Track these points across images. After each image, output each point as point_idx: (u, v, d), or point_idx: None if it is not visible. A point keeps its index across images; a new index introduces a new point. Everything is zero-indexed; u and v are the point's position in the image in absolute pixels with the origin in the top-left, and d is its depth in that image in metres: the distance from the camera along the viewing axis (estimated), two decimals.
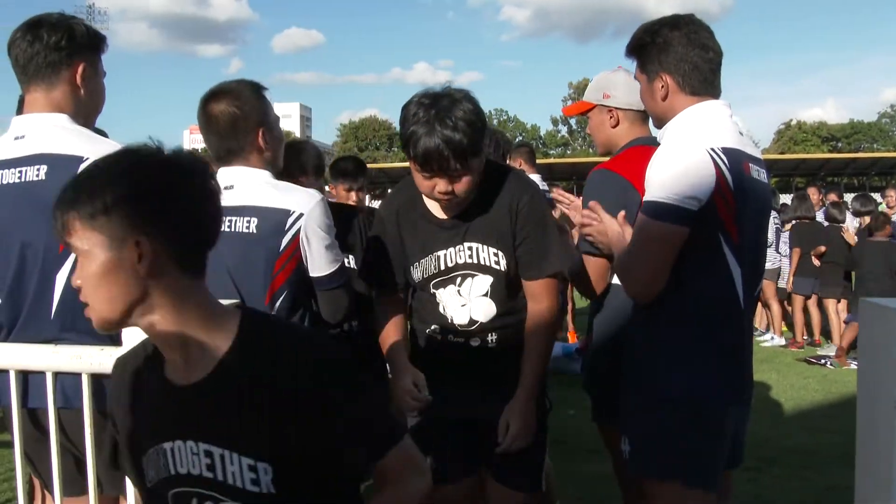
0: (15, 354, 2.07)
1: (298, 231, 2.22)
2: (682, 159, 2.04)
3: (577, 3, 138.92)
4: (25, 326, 2.17)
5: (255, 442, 1.33)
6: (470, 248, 2.36)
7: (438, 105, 2.14)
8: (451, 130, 2.10)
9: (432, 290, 2.43)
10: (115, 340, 2.01)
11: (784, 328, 9.53)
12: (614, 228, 2.34)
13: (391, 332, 2.47)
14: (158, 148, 1.32)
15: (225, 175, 2.32)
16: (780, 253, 9.34)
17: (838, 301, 8.77)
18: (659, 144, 2.21)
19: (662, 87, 2.21)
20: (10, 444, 2.15)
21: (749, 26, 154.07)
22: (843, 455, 2.14)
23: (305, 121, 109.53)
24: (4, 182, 2.16)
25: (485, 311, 2.39)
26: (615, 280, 2.55)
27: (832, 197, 10.22)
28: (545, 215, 2.38)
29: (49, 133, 2.17)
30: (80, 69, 2.24)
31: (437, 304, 2.44)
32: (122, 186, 1.25)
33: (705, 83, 2.20)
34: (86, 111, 2.30)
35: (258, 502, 1.34)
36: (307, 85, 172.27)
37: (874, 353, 2.05)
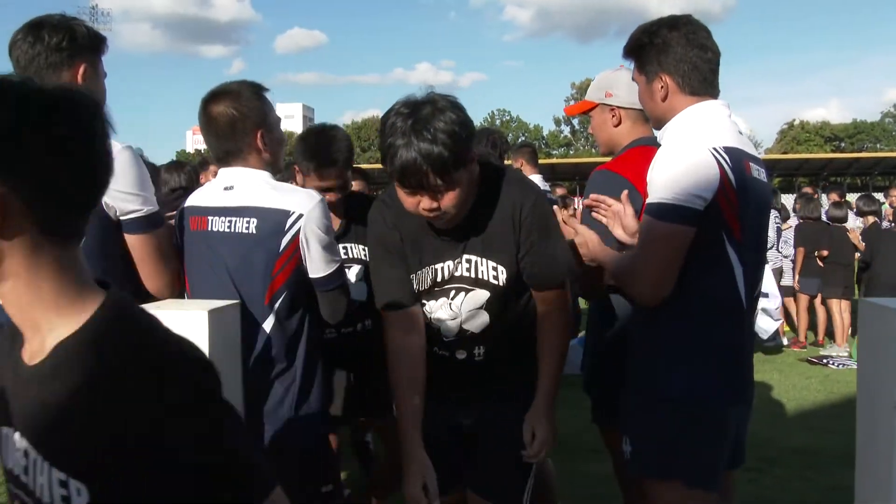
0: None
1: (298, 232, 2.22)
2: (686, 159, 2.04)
3: (580, 3, 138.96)
4: None
5: (67, 454, 1.04)
6: (469, 262, 2.23)
7: (418, 115, 1.97)
8: (429, 143, 1.93)
9: (422, 301, 2.30)
10: None
11: (786, 328, 9.52)
12: (593, 238, 2.35)
13: (406, 389, 2.22)
14: (29, 78, 1.05)
15: (225, 176, 2.33)
16: (780, 252, 9.34)
17: (841, 301, 8.76)
18: (660, 145, 2.21)
19: (662, 87, 2.21)
20: None
21: (751, 26, 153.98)
22: (844, 455, 2.14)
23: (308, 121, 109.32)
24: None
25: (477, 323, 2.28)
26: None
27: (833, 197, 10.21)
28: (549, 220, 2.26)
29: None
30: (81, 70, 2.25)
31: (425, 313, 2.31)
32: None
33: (705, 83, 2.20)
34: None
35: None
36: (310, 85, 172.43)
37: (874, 353, 2.05)
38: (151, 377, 1.03)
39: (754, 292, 2.24)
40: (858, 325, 2.23)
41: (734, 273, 2.11)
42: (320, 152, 2.90)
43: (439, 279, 2.26)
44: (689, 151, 2.05)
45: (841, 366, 7.87)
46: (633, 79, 2.35)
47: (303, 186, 3.32)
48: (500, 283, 2.23)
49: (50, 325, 1.08)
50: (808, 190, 11.41)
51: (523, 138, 71.52)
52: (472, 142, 2.05)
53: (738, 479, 2.77)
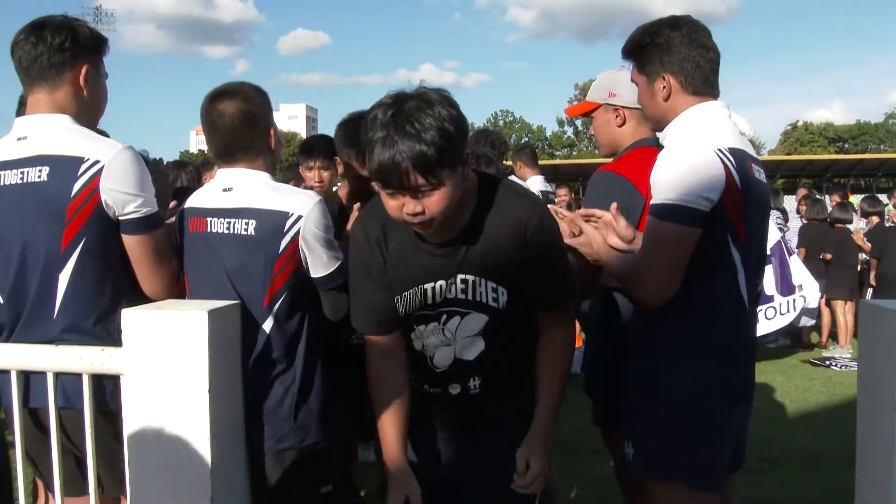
0: (16, 355, 2.08)
1: (297, 233, 2.22)
2: (691, 160, 2.03)
3: (583, 4, 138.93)
4: (27, 327, 2.18)
5: None
6: (465, 282, 2.01)
7: (403, 108, 1.78)
8: (412, 139, 1.74)
9: (414, 325, 2.11)
10: (116, 341, 2.02)
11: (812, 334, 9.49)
12: (597, 238, 2.31)
13: (389, 414, 2.09)
14: None
15: (224, 177, 2.33)
16: None
17: (846, 302, 8.75)
18: (662, 146, 2.21)
19: (664, 87, 2.21)
20: (12, 444, 2.16)
21: (755, 27, 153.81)
22: (847, 457, 2.14)
23: (311, 122, 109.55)
24: (7, 183, 2.17)
25: (473, 351, 2.10)
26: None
27: (835, 199, 10.20)
28: (556, 241, 2.11)
29: (51, 134, 2.18)
30: (83, 71, 2.26)
31: (414, 340, 2.12)
32: None
33: (707, 83, 2.20)
34: (88, 112, 2.32)
35: None
36: (313, 86, 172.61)
37: (874, 355, 2.05)
38: None
39: (756, 293, 2.24)
40: (858, 327, 2.22)
41: (737, 275, 2.11)
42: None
43: (429, 301, 2.05)
44: (694, 152, 2.05)
45: (844, 367, 7.86)
46: (631, 79, 2.34)
47: (342, 177, 3.26)
48: (501, 307, 2.04)
49: None
50: (803, 191, 11.41)
51: (526, 139, 71.59)
52: (464, 141, 1.86)
53: (740, 480, 2.77)
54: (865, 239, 9.15)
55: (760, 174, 2.22)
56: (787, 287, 6.72)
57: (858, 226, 9.88)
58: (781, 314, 6.73)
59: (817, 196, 10.13)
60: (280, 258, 2.22)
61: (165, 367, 1.91)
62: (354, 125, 2.76)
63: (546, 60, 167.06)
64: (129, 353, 1.94)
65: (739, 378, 2.19)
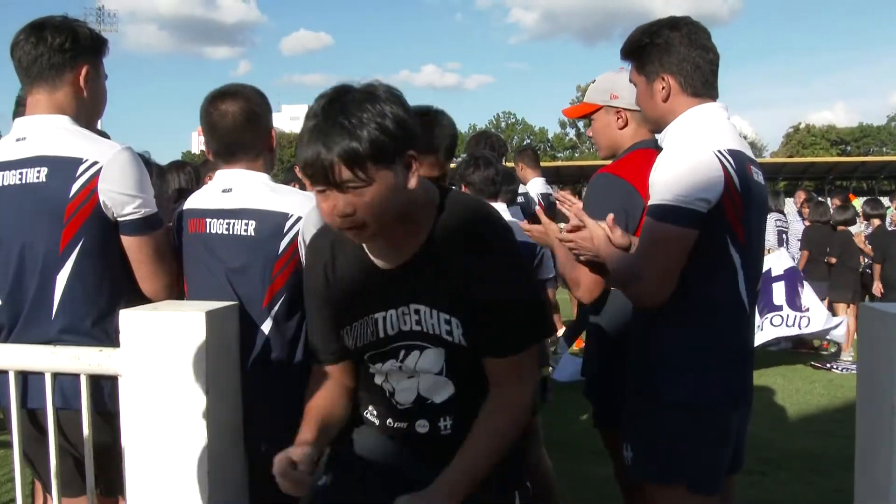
0: (14, 355, 2.09)
1: (297, 234, 2.22)
2: (691, 161, 2.03)
3: (585, 5, 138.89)
4: (25, 327, 2.19)
5: None
6: (417, 312, 1.76)
7: (341, 99, 1.60)
8: (342, 131, 1.55)
9: (369, 364, 1.87)
10: (114, 342, 2.02)
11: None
12: (599, 233, 2.27)
13: (313, 399, 1.92)
14: None
15: (223, 178, 2.33)
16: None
17: (848, 305, 8.74)
18: (661, 148, 2.20)
19: (664, 88, 2.20)
20: (10, 445, 2.16)
21: (757, 29, 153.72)
22: (848, 459, 2.14)
23: None
24: (5, 183, 2.17)
25: (442, 395, 1.83)
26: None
27: (836, 201, 10.20)
28: (511, 276, 1.77)
29: (50, 135, 2.19)
30: (83, 71, 2.26)
31: (374, 375, 1.88)
32: None
33: (706, 84, 2.20)
34: (88, 113, 2.32)
35: None
36: (316, 87, 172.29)
37: (873, 357, 2.05)
38: None
39: (755, 295, 2.23)
40: (858, 329, 2.22)
41: (737, 276, 2.11)
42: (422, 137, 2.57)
43: (381, 335, 1.80)
44: (693, 153, 2.05)
45: (845, 370, 7.84)
46: (630, 80, 2.34)
47: None
48: (457, 341, 1.75)
49: None
50: (802, 194, 11.42)
51: (528, 141, 71.64)
52: (408, 143, 1.64)
53: (741, 482, 2.77)
54: (867, 242, 9.13)
55: (759, 176, 2.22)
56: (796, 305, 6.96)
57: (860, 229, 9.88)
58: (788, 326, 6.93)
59: (820, 199, 10.12)
60: (280, 259, 2.22)
61: (163, 368, 1.91)
62: (425, 121, 2.52)
63: (548, 62, 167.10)
64: (127, 354, 1.94)
65: (739, 379, 2.18)
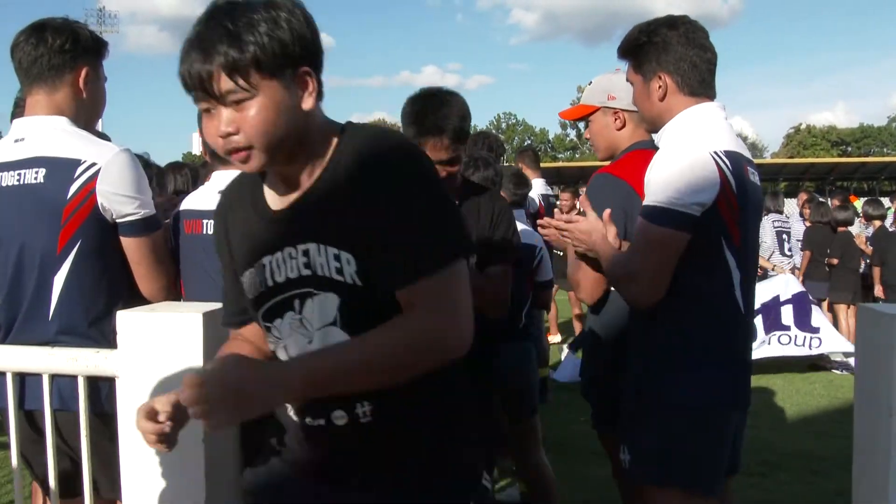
0: (11, 356, 2.08)
1: None
2: (686, 162, 2.03)
3: (586, 6, 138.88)
4: (23, 328, 2.19)
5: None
6: (305, 253, 1.48)
7: (230, 3, 1.41)
8: (223, 37, 1.36)
9: (266, 324, 1.58)
10: (111, 343, 2.02)
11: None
12: (598, 227, 2.28)
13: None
14: None
15: (220, 179, 2.34)
16: (785, 256, 9.33)
17: (848, 306, 8.73)
18: (658, 148, 2.20)
19: (660, 87, 2.20)
20: (8, 447, 2.16)
21: (757, 30, 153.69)
22: (848, 460, 2.13)
23: None
24: (4, 184, 2.17)
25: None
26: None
27: (836, 202, 10.19)
28: (420, 200, 1.45)
29: (48, 136, 2.19)
30: (83, 73, 2.26)
31: (277, 344, 1.58)
32: None
33: (703, 84, 2.19)
34: (87, 114, 2.32)
35: None
36: None
37: (872, 359, 2.04)
38: None
39: (751, 296, 2.23)
40: (856, 331, 2.22)
41: (732, 278, 2.11)
42: (426, 117, 2.38)
43: (270, 283, 1.53)
44: (688, 154, 2.04)
45: (845, 371, 7.83)
46: (627, 79, 2.33)
47: None
48: (349, 280, 1.45)
49: None
50: (804, 195, 11.42)
51: (529, 142, 71.65)
52: (303, 58, 1.43)
53: (742, 483, 2.77)
54: (868, 243, 9.13)
55: (755, 176, 2.22)
56: (805, 326, 7.20)
57: (859, 229, 9.86)
58: (797, 345, 7.19)
59: (821, 199, 10.12)
60: None
61: (161, 369, 1.91)
62: (421, 102, 2.47)
63: (549, 63, 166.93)
64: (124, 355, 1.93)
65: (737, 382, 2.18)
